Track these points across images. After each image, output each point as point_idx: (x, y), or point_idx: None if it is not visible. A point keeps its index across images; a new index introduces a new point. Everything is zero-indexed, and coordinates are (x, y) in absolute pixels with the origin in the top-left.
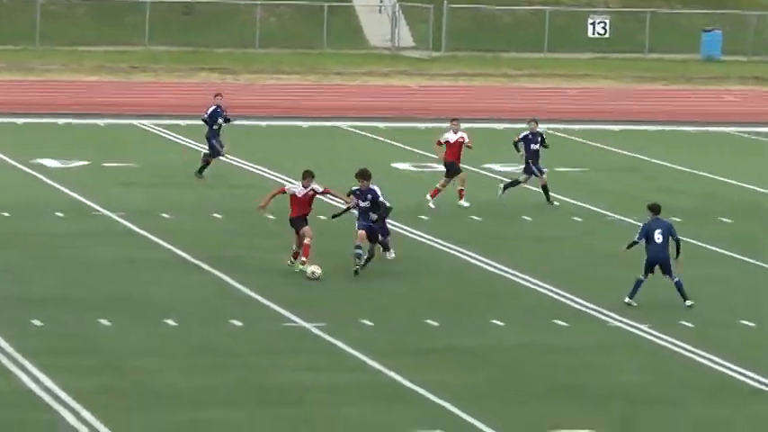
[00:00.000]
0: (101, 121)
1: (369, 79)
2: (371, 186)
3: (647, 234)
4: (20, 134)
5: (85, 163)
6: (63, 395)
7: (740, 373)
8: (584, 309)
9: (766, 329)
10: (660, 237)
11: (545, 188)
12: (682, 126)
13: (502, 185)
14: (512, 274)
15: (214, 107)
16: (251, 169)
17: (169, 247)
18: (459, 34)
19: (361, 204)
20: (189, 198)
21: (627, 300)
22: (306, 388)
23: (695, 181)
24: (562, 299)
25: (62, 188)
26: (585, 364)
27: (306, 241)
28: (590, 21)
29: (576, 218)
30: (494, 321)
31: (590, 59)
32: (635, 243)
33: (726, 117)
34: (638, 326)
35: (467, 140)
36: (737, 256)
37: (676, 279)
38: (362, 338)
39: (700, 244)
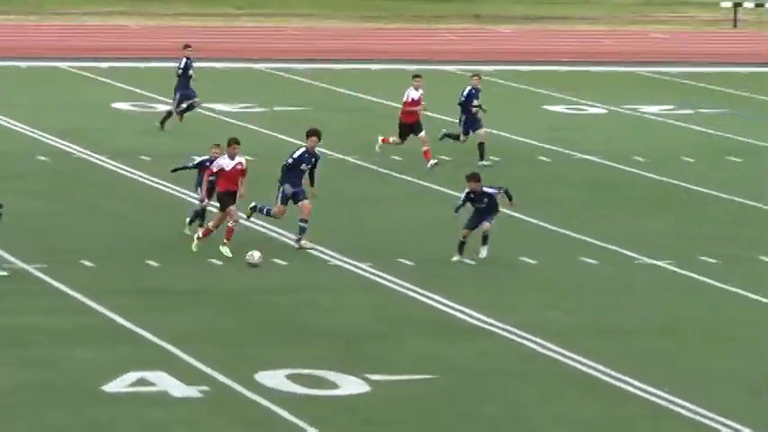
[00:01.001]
0: None
1: (87, 19)
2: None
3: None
4: None
5: None
6: None
7: (460, 311)
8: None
9: (484, 268)
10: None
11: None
12: (405, 65)
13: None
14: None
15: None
16: None
17: None
18: None
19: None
20: None
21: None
22: (29, 330)
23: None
24: (283, 238)
25: None
26: (307, 303)
27: (229, 224)
28: None
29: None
30: (212, 261)
31: None
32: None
33: (447, 56)
34: (359, 264)
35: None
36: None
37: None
38: (83, 280)
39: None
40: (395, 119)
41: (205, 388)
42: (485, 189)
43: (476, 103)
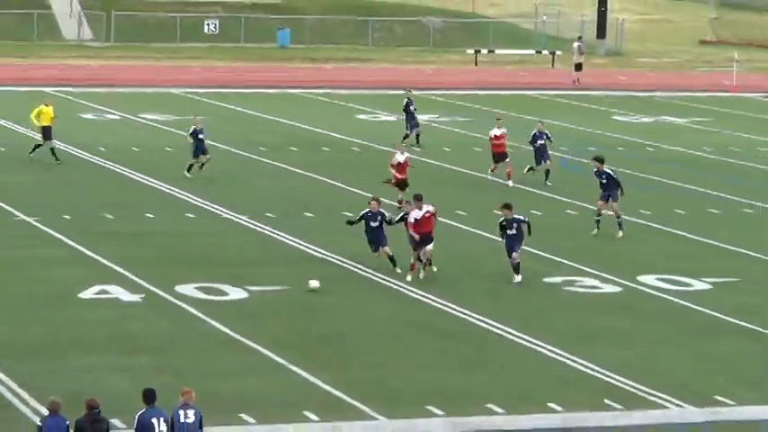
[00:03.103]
0: None
1: (66, 61)
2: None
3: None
4: None
5: None
6: None
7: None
8: None
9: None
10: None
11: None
12: (267, 89)
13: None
14: None
15: None
16: None
17: None
18: (123, 31)
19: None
20: None
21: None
22: (30, 259)
23: (274, 125)
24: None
25: None
26: (209, 244)
27: (424, 258)
28: (206, 22)
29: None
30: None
31: (205, 48)
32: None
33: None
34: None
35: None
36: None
37: None
38: (66, 226)
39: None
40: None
41: (143, 295)
42: (515, 216)
43: (540, 142)
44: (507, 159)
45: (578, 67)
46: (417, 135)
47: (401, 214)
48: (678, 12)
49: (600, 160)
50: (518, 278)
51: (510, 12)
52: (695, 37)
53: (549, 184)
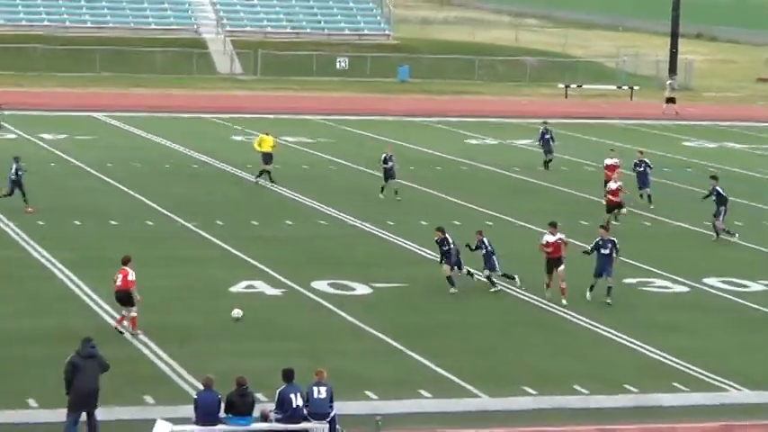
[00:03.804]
0: None
1: (220, 91)
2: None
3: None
4: None
5: None
6: None
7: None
8: None
9: None
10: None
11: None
12: (388, 117)
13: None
14: None
15: None
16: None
17: None
18: (269, 67)
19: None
20: None
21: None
22: (185, 258)
23: (395, 148)
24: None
25: None
26: (339, 246)
27: (562, 284)
28: (338, 59)
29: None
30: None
31: (337, 81)
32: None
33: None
34: None
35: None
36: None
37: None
38: (217, 231)
39: None
40: None
41: (284, 290)
42: (611, 237)
43: (639, 169)
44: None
45: (670, 100)
46: (547, 161)
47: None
48: (738, 53)
49: (715, 178)
50: (609, 300)
51: (595, 52)
52: (753, 75)
53: (652, 207)
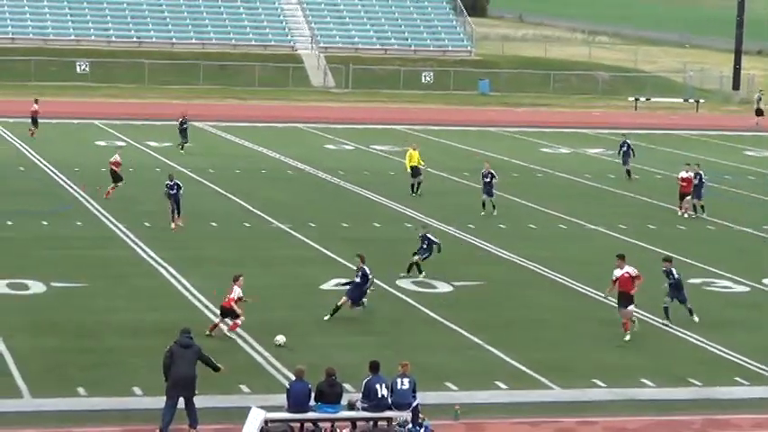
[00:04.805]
0: None
1: (313, 103)
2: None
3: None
4: None
5: None
6: None
7: None
8: None
9: None
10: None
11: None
12: (468, 127)
13: None
14: None
15: None
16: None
17: None
18: (359, 80)
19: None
20: None
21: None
22: (281, 258)
23: (474, 155)
24: None
25: None
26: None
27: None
28: (423, 74)
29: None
30: None
31: (422, 94)
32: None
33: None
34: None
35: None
36: None
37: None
38: (312, 233)
39: None
40: None
41: (371, 288)
42: (671, 268)
43: (694, 182)
44: (687, 197)
45: (758, 112)
46: (628, 171)
47: None
48: None
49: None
50: (696, 318)
51: (663, 67)
52: None
53: (696, 215)
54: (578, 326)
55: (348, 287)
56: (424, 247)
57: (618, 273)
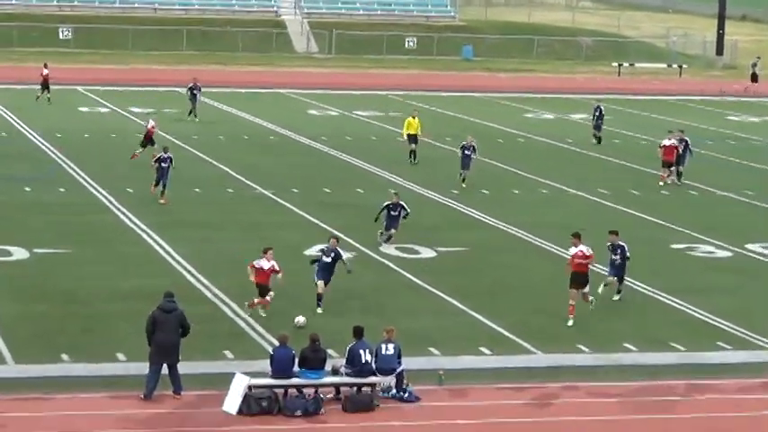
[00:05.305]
0: None
1: (297, 68)
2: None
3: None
4: None
5: None
6: None
7: None
8: None
9: None
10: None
11: None
12: (452, 93)
13: None
14: None
15: None
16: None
17: None
18: (342, 46)
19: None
20: None
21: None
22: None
23: (458, 121)
24: None
25: None
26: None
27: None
28: (406, 39)
29: None
30: None
31: (405, 59)
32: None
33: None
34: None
35: None
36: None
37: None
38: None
39: None
40: None
41: (354, 253)
42: (619, 242)
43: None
44: (671, 167)
45: (753, 77)
46: (599, 137)
47: None
48: None
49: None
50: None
51: (647, 33)
52: None
53: (678, 183)
54: (561, 291)
55: (317, 268)
56: (393, 214)
57: (573, 251)
